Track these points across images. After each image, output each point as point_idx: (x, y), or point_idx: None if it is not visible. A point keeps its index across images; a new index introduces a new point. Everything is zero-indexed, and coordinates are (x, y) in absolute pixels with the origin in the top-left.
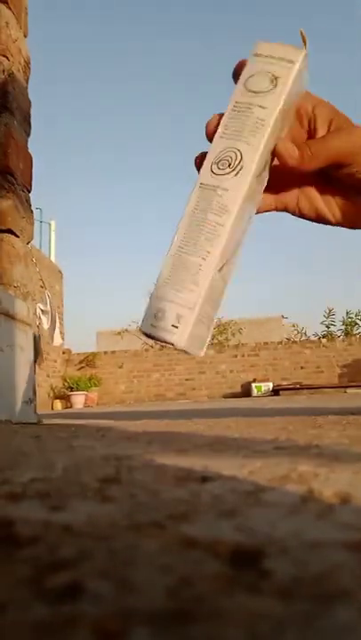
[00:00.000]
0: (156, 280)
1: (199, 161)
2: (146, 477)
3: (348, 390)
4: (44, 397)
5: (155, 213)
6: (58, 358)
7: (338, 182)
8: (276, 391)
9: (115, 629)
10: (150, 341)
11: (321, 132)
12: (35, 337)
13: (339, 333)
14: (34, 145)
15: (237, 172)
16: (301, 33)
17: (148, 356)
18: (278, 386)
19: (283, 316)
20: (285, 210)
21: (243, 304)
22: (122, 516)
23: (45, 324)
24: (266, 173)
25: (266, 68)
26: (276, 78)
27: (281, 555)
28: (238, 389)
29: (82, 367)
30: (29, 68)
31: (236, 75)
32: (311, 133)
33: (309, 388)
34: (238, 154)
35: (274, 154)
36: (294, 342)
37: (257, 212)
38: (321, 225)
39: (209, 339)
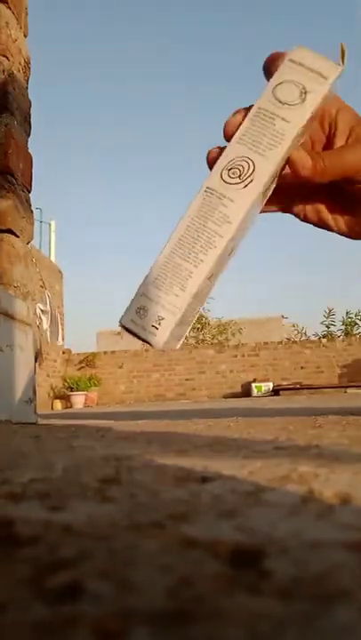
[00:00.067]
0: (145, 275)
1: (212, 157)
2: (146, 478)
3: (348, 390)
4: (44, 397)
5: (155, 214)
6: (58, 358)
7: (348, 194)
8: (276, 391)
9: (115, 629)
10: (127, 335)
11: (339, 140)
12: (35, 337)
13: (339, 333)
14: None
15: (246, 185)
16: (341, 47)
17: (148, 356)
18: (278, 386)
19: (283, 316)
20: (290, 213)
21: (243, 304)
22: (122, 516)
23: (45, 324)
24: (273, 185)
25: (298, 78)
26: (305, 92)
27: (281, 555)
28: (238, 389)
29: (82, 367)
30: (29, 68)
31: (266, 69)
32: (330, 138)
33: (309, 388)
34: (251, 165)
35: (287, 161)
36: (294, 342)
37: (261, 212)
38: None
39: (186, 334)
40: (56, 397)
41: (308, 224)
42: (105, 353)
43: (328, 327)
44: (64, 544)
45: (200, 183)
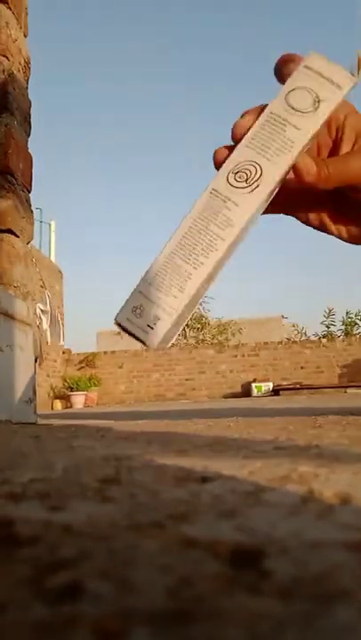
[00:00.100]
0: (143, 274)
1: (219, 158)
2: (146, 478)
3: (348, 390)
4: (44, 397)
5: (155, 214)
6: (58, 358)
7: (352, 201)
8: (276, 391)
9: (115, 629)
10: (124, 333)
11: (345, 146)
12: (35, 337)
13: (339, 333)
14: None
15: (253, 190)
16: (358, 56)
17: (147, 356)
18: (278, 386)
19: (283, 316)
20: (292, 215)
21: (243, 304)
22: (122, 516)
23: (45, 324)
24: (276, 189)
25: (312, 85)
26: (319, 101)
27: (281, 555)
28: (238, 389)
29: (82, 367)
30: (29, 68)
31: (278, 71)
32: (337, 143)
33: (309, 388)
34: (259, 170)
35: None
36: (294, 342)
37: (263, 213)
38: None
39: (179, 332)
40: (56, 397)
41: (309, 226)
42: (105, 353)
43: (328, 327)
44: (64, 544)
45: (202, 183)
